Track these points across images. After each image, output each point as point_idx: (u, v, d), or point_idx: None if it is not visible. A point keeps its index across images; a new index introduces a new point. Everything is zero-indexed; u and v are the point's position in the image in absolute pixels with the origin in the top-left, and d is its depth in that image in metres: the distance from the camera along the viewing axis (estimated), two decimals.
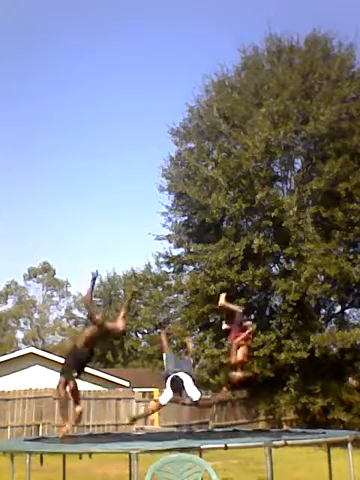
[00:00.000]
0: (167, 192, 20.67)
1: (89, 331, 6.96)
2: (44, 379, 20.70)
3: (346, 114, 18.51)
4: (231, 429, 8.23)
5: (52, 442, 7.37)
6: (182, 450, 5.51)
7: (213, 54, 51.78)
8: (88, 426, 17.73)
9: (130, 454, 5.61)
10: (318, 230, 17.93)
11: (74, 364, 6.78)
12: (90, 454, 6.73)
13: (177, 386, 6.93)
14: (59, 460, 7.55)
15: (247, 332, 7.43)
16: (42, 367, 22.93)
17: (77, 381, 6.96)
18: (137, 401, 19.83)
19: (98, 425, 18.37)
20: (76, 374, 6.85)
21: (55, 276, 57.87)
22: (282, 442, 5.97)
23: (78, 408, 7.01)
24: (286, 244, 17.98)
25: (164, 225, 20.56)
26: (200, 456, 6.08)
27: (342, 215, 17.76)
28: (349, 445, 6.40)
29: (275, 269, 19.71)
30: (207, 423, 18.47)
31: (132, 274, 25.23)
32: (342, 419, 17.28)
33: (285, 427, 18.06)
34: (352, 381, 19.45)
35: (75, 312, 53.80)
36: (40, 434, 16.92)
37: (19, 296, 58.14)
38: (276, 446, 5.81)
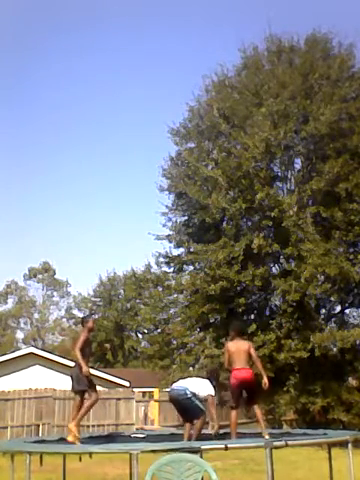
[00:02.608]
0: (167, 192, 20.65)
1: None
2: (44, 379, 20.72)
3: (346, 114, 18.48)
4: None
5: (52, 442, 7.37)
6: (182, 450, 5.51)
7: (213, 54, 51.97)
8: (88, 426, 17.73)
9: (130, 454, 5.61)
10: (318, 230, 17.89)
11: None
12: (90, 454, 6.73)
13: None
14: (59, 460, 7.56)
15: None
16: (42, 367, 22.95)
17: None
18: (137, 401, 19.84)
19: (98, 425, 18.37)
20: None
21: (55, 276, 57.89)
22: (282, 443, 5.97)
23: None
24: (286, 244, 17.95)
25: (164, 225, 20.54)
26: (200, 456, 6.08)
27: (342, 215, 17.73)
28: (349, 445, 6.40)
29: (275, 269, 19.68)
30: (207, 423, 18.46)
31: (132, 274, 25.32)
32: (342, 419, 17.23)
33: (285, 427, 18.10)
34: (352, 381, 19.43)
35: (75, 312, 53.83)
36: (40, 434, 16.93)
37: (19, 296, 58.13)
38: (276, 447, 5.81)
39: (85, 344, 7.32)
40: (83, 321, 7.83)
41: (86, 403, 7.41)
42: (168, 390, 7.46)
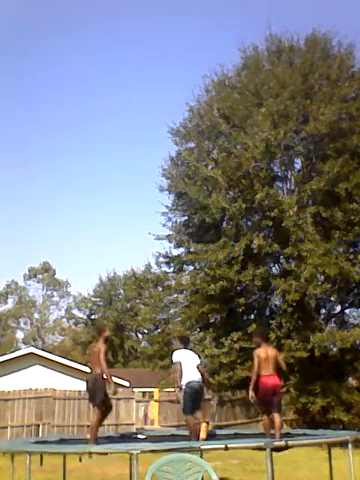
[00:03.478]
0: (167, 192, 20.66)
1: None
2: (44, 379, 20.71)
3: (346, 114, 18.48)
4: (233, 432, 8.26)
5: (52, 442, 7.37)
6: (182, 450, 5.51)
7: (213, 54, 52.00)
8: (88, 426, 17.70)
9: (130, 454, 5.61)
10: (318, 230, 17.89)
11: None
12: (90, 454, 6.73)
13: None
14: (59, 460, 7.55)
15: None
16: (42, 367, 22.93)
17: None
18: (137, 401, 19.80)
19: None
20: None
21: (55, 276, 57.89)
22: (282, 443, 5.97)
23: None
24: (286, 244, 17.94)
25: (164, 225, 20.54)
26: (200, 456, 6.08)
27: (342, 215, 17.73)
28: (349, 445, 6.41)
29: (275, 269, 19.68)
30: (207, 423, 18.43)
31: (132, 274, 25.23)
32: (342, 419, 17.22)
33: (285, 427, 18.07)
34: (352, 381, 19.42)
35: (75, 312, 53.80)
36: (40, 434, 16.91)
37: (19, 296, 58.14)
38: (276, 447, 5.81)
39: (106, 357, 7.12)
40: (99, 330, 7.51)
41: (94, 418, 7.23)
42: (191, 381, 7.48)
